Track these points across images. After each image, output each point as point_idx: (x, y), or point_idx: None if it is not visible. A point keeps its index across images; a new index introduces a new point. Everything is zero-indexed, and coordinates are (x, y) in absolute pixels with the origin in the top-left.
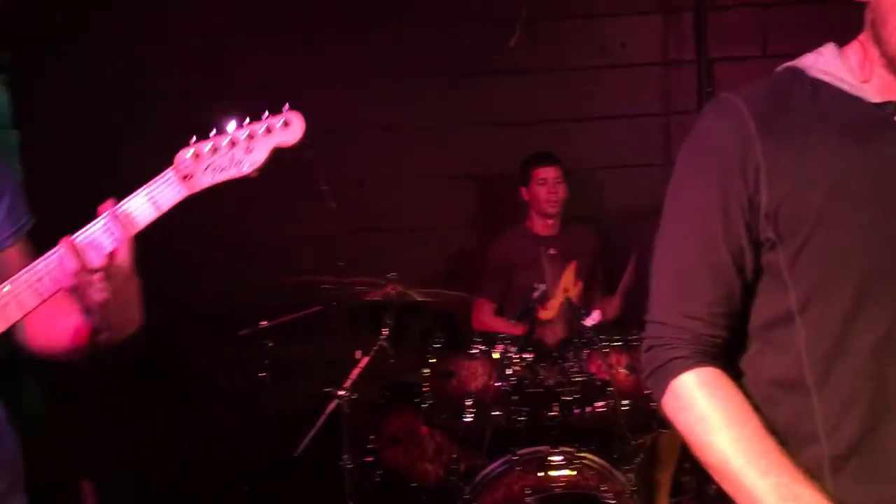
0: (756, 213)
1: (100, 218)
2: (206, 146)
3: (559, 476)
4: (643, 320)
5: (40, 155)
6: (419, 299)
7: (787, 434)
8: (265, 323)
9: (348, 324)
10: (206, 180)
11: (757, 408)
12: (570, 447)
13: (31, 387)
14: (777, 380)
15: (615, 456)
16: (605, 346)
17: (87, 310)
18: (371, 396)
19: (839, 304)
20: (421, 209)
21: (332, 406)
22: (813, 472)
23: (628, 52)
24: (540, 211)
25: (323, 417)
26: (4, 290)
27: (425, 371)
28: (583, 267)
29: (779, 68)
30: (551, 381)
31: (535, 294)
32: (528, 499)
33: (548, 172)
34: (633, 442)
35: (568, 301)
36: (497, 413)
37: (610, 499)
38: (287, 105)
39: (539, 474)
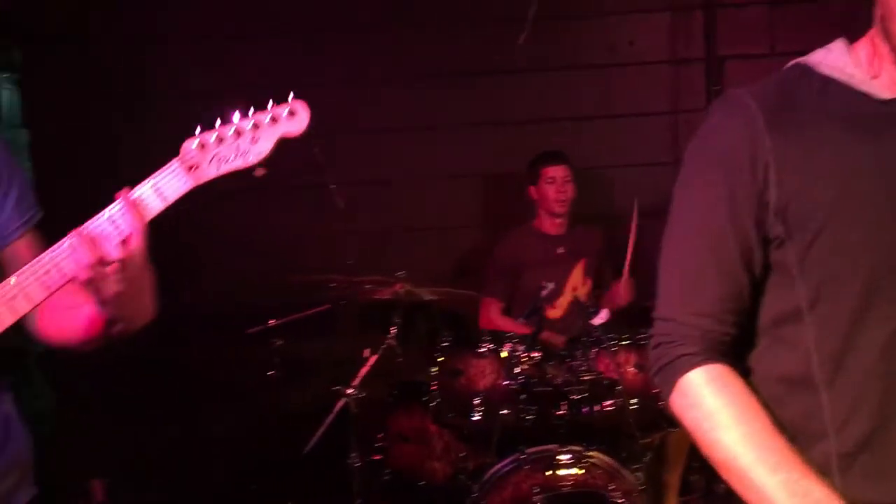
0: (765, 209)
1: (112, 205)
2: (212, 136)
3: (567, 475)
4: (650, 309)
5: (49, 153)
6: (427, 298)
7: (795, 431)
8: (274, 321)
9: (356, 322)
10: (211, 171)
11: (765, 405)
12: (579, 446)
13: (41, 386)
14: (786, 377)
15: (623, 455)
16: (613, 345)
17: (101, 301)
18: (379, 395)
19: (848, 301)
20: (429, 208)
21: (340, 404)
22: (821, 470)
23: (637, 51)
24: (548, 210)
25: (331, 416)
26: (11, 282)
27: (433, 370)
28: (591, 266)
29: (788, 65)
30: (559, 380)
31: (544, 293)
32: (537, 497)
33: (557, 171)
34: (642, 441)
35: (576, 300)
36: (505, 412)
37: (618, 498)
38: (292, 94)
39: (547, 473)
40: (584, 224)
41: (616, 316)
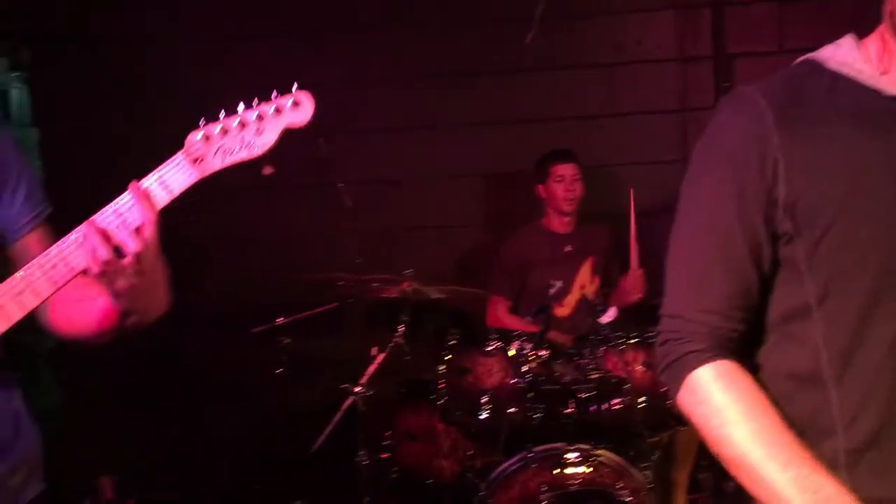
0: (774, 206)
1: (119, 198)
2: (216, 128)
3: (575, 473)
4: (658, 307)
5: (59, 152)
6: (435, 296)
7: (803, 428)
8: (282, 320)
9: (364, 321)
10: (216, 163)
11: (774, 402)
12: (586, 444)
13: (50, 382)
14: (794, 373)
15: (632, 453)
16: (621, 343)
17: (115, 294)
18: (387, 393)
19: (857, 298)
20: (436, 207)
21: (348, 403)
22: (828, 466)
23: (644, 49)
24: (557, 208)
25: (339, 414)
26: (18, 277)
27: (441, 368)
28: (598, 264)
29: (796, 61)
30: (567, 379)
31: (552, 291)
32: (544, 496)
33: (565, 170)
34: (650, 439)
35: (584, 298)
36: (513, 410)
37: (626, 496)
38: (296, 85)
39: (555, 471)
40: (592, 222)
41: (624, 314)
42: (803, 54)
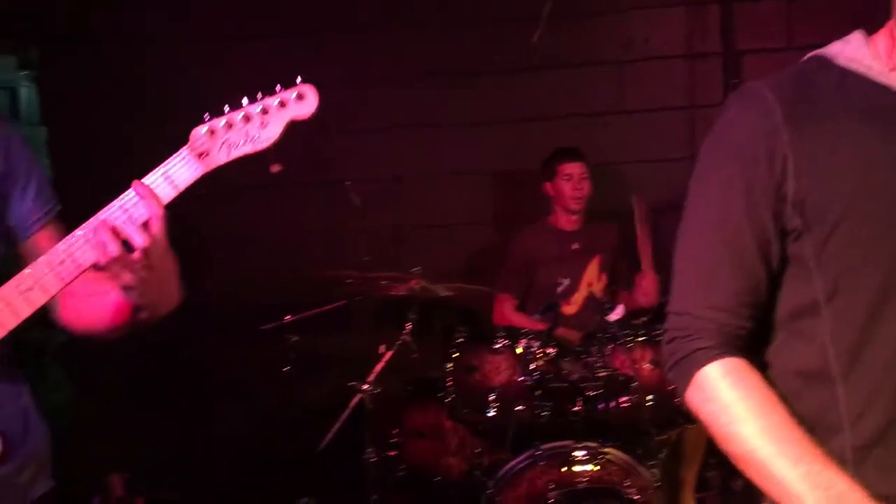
0: (783, 202)
1: (124, 195)
2: (221, 122)
3: (583, 471)
4: (665, 305)
5: (68, 151)
6: (442, 294)
7: (811, 425)
8: (289, 317)
9: (372, 318)
10: (221, 157)
11: (783, 399)
12: (594, 442)
13: (59, 379)
14: (802, 370)
15: (639, 451)
16: (629, 341)
17: (126, 288)
18: (394, 391)
19: (865, 294)
20: (443, 205)
21: (355, 400)
22: (835, 463)
23: (652, 46)
24: (564, 207)
25: (346, 412)
26: (27, 274)
27: (449, 366)
28: (606, 262)
29: (805, 57)
30: (575, 377)
31: (560, 289)
32: (552, 494)
33: (574, 168)
34: (658, 437)
35: (592, 296)
36: (520, 408)
37: (634, 494)
38: (300, 78)
39: (562, 469)
40: (599, 220)
41: (634, 314)
42: (812, 51)
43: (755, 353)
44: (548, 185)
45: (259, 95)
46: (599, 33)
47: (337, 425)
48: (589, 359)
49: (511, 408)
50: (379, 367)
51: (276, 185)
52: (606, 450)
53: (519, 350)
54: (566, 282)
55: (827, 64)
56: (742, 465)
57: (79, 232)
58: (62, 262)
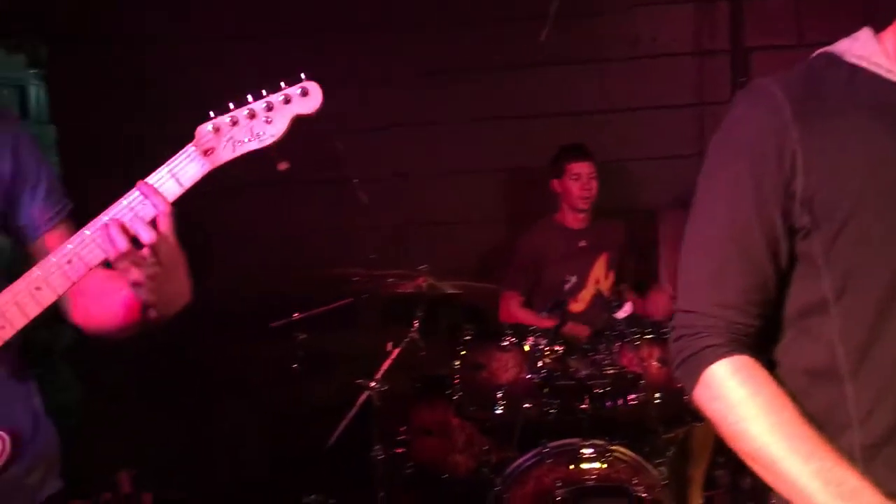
0: (791, 199)
1: (129, 193)
2: (226, 119)
3: (590, 469)
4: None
5: (77, 150)
6: (450, 292)
7: (819, 423)
8: (297, 315)
9: (379, 316)
10: (227, 154)
11: (791, 397)
12: (602, 440)
13: (67, 378)
14: (811, 369)
15: (647, 449)
16: (636, 339)
17: (136, 286)
18: (402, 388)
19: (874, 292)
20: (450, 203)
21: (363, 398)
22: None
23: (661, 43)
24: (572, 205)
25: (354, 409)
26: (35, 274)
27: (456, 363)
28: (613, 259)
29: (814, 54)
30: (582, 374)
31: (567, 286)
32: (559, 491)
33: (582, 168)
34: (665, 435)
35: (599, 293)
36: (528, 405)
37: (641, 492)
38: (303, 74)
39: (570, 467)
40: (607, 217)
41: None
42: (821, 48)
43: (763, 352)
44: (555, 183)
45: (263, 92)
46: (607, 30)
47: (344, 423)
48: (596, 356)
49: (518, 405)
50: (386, 364)
51: (283, 182)
52: (614, 448)
53: (526, 347)
54: (573, 279)
55: (836, 61)
56: (751, 463)
57: (86, 231)
58: (70, 262)
